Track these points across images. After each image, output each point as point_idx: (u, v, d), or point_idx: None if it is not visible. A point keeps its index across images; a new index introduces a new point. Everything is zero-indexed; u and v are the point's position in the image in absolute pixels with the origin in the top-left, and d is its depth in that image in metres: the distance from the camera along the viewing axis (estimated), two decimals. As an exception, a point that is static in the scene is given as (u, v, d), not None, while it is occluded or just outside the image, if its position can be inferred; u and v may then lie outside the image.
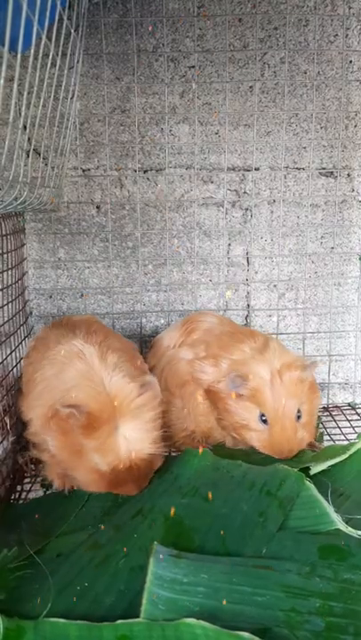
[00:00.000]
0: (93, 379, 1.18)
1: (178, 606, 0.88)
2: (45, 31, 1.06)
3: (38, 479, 1.43)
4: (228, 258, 1.86)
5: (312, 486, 1.20)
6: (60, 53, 1.25)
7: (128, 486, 1.18)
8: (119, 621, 0.85)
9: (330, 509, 1.13)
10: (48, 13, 1.00)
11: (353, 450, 1.38)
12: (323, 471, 1.31)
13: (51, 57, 1.14)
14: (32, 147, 1.27)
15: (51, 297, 1.85)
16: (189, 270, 1.85)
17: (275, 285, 1.88)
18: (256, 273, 1.88)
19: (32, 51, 1.08)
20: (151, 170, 1.79)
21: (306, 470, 1.29)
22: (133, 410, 1.16)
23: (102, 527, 1.14)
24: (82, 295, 1.85)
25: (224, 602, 0.89)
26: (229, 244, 1.85)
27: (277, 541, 1.06)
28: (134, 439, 1.15)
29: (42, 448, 1.29)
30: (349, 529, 1.08)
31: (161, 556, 0.96)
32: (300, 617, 0.88)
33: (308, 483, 1.21)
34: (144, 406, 1.18)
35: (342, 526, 1.08)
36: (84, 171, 1.78)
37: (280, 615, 0.88)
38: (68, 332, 1.37)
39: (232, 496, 1.18)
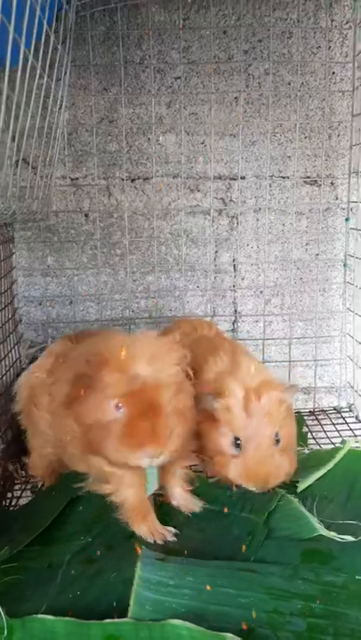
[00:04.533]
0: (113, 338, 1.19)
1: (164, 607, 0.91)
2: (33, 47, 1.09)
3: (29, 486, 1.45)
4: (215, 265, 1.89)
5: (295, 500, 1.24)
6: (47, 67, 1.27)
7: (144, 429, 1.05)
8: (107, 620, 0.88)
9: (312, 519, 1.16)
10: (35, 32, 1.03)
11: (338, 458, 1.42)
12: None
13: (38, 72, 1.17)
14: (21, 157, 1.29)
15: (40, 304, 1.88)
16: (177, 277, 1.88)
17: (261, 291, 1.91)
18: (243, 279, 1.91)
19: (20, 64, 1.11)
20: (139, 179, 1.82)
21: (293, 484, 1.33)
22: (153, 353, 1.11)
23: (90, 540, 1.15)
24: (71, 302, 1.88)
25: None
26: (216, 251, 1.89)
27: (262, 548, 1.10)
28: (152, 376, 1.09)
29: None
30: (332, 533, 1.11)
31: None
32: (283, 618, 0.91)
33: (290, 497, 1.25)
34: (163, 348, 1.14)
35: (325, 532, 1.12)
36: (72, 180, 1.80)
37: (263, 616, 0.91)
38: None
39: (222, 524, 1.21)
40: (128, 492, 1.17)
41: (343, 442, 1.52)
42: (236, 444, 1.22)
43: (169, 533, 1.16)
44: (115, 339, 1.17)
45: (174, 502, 1.27)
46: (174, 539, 1.15)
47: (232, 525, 1.19)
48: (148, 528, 1.16)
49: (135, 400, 1.07)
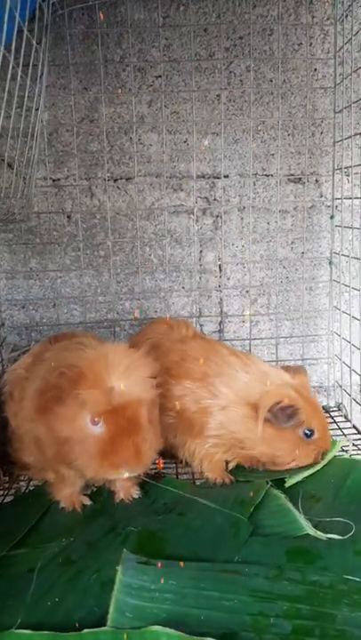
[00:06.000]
0: (86, 349, 1.19)
1: (145, 613, 0.89)
2: (4, 42, 1.07)
3: (11, 492, 1.42)
4: (200, 265, 1.87)
5: (282, 496, 1.23)
6: (21, 64, 1.25)
7: (127, 448, 1.09)
8: (85, 630, 0.85)
9: (300, 517, 1.15)
10: (7, 29, 1.01)
11: (328, 459, 1.40)
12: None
13: (10, 69, 1.14)
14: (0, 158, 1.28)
15: (23, 307, 1.85)
16: (162, 278, 1.86)
17: (247, 291, 1.89)
18: (228, 279, 1.89)
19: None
20: (121, 179, 1.80)
21: (280, 481, 1.31)
22: (126, 366, 1.13)
23: (72, 540, 1.13)
24: (54, 305, 1.85)
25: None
26: (201, 251, 1.86)
27: (247, 546, 1.07)
28: (128, 391, 1.11)
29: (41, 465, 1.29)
30: (318, 533, 1.09)
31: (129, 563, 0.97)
32: (267, 620, 0.88)
33: (278, 493, 1.24)
34: (136, 362, 1.16)
35: (311, 531, 1.10)
36: (53, 180, 1.78)
37: (247, 619, 0.88)
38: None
39: (206, 509, 1.21)
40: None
41: (333, 442, 1.50)
42: (306, 433, 1.35)
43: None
44: (88, 351, 1.18)
45: (114, 489, 1.31)
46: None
47: (215, 514, 1.18)
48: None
49: (117, 418, 1.09)
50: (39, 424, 1.17)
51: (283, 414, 1.30)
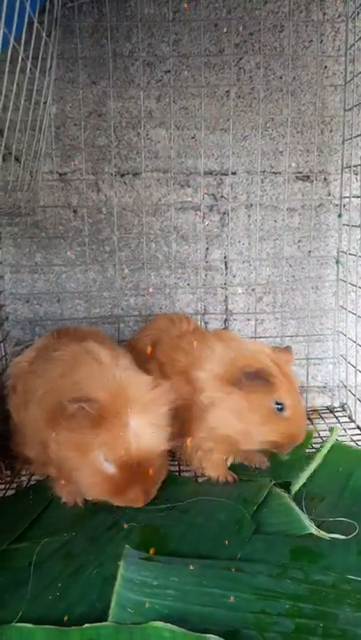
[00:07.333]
0: (104, 372, 1.16)
1: (147, 609, 0.88)
2: (13, 34, 1.06)
3: (13, 485, 1.42)
4: (206, 262, 1.86)
5: (286, 495, 1.22)
6: (30, 57, 1.25)
7: (135, 491, 1.10)
8: (86, 625, 0.84)
9: (303, 516, 1.14)
10: (18, 20, 1.00)
11: (324, 451, 1.40)
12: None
13: (20, 61, 1.14)
14: (7, 151, 1.26)
15: (27, 301, 1.84)
16: (167, 274, 1.85)
17: (253, 289, 1.88)
18: (234, 277, 1.88)
19: (8, 55, 1.08)
20: (128, 174, 1.79)
21: (285, 484, 1.30)
22: (145, 403, 1.12)
23: (74, 534, 1.13)
24: (59, 300, 1.84)
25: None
26: (207, 248, 1.86)
27: (250, 544, 1.06)
28: (145, 434, 1.10)
29: (44, 462, 1.27)
30: (321, 532, 1.09)
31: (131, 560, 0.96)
32: (270, 619, 0.88)
33: (281, 492, 1.23)
34: (156, 400, 1.15)
35: (314, 530, 1.09)
36: (60, 175, 1.77)
37: (250, 617, 0.88)
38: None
39: (209, 506, 1.20)
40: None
41: (331, 429, 1.49)
42: (278, 406, 1.27)
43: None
44: (105, 374, 1.15)
45: None
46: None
47: (218, 511, 1.17)
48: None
49: (131, 464, 1.08)
50: (48, 435, 1.16)
51: (252, 375, 1.24)
